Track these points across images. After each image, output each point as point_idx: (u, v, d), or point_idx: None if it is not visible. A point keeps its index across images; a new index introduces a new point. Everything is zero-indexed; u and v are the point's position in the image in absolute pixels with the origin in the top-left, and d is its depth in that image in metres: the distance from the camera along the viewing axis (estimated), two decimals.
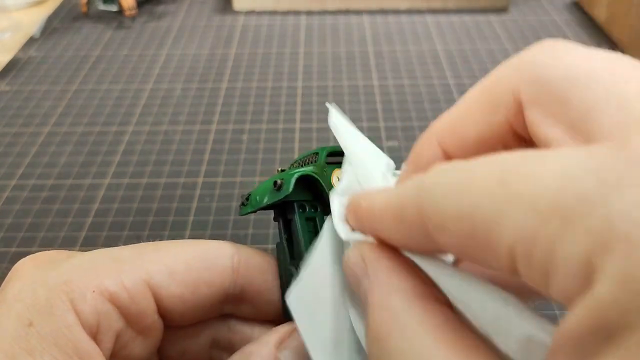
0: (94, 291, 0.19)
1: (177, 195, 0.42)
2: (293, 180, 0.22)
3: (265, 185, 0.23)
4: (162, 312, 0.21)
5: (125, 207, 0.41)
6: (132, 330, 0.20)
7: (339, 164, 0.23)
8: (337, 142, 0.22)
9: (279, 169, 0.24)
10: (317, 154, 0.23)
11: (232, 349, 0.23)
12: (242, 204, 0.25)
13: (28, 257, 0.21)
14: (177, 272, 0.21)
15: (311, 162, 0.23)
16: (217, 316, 0.23)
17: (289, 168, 0.24)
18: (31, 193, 0.42)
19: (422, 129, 0.48)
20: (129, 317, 0.20)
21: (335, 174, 0.23)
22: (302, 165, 0.24)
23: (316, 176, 0.22)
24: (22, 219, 0.40)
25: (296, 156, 0.36)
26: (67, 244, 0.38)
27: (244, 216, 0.40)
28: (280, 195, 0.22)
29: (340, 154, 0.23)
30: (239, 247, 0.23)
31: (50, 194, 0.42)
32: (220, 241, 0.23)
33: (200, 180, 0.43)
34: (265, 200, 0.22)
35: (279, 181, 0.22)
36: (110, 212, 0.40)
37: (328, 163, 0.23)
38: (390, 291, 0.15)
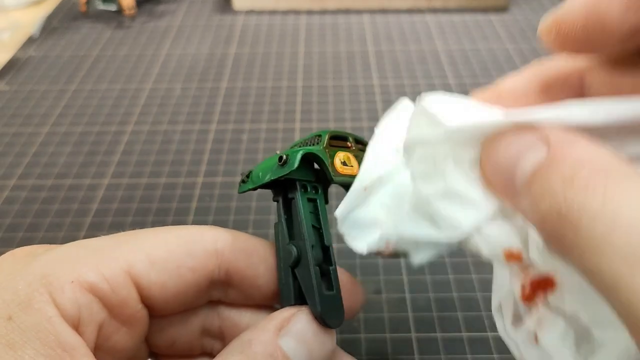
0: (72, 282, 0.18)
1: (177, 195, 0.42)
2: (299, 156, 0.21)
3: (268, 162, 0.23)
4: (145, 300, 0.21)
5: (125, 207, 0.41)
6: (115, 320, 0.20)
7: (341, 147, 0.23)
8: (339, 126, 0.22)
9: (279, 152, 0.24)
10: (319, 136, 0.23)
11: (223, 337, 0.23)
12: (242, 181, 0.24)
13: (7, 252, 0.20)
14: (158, 260, 0.20)
15: (314, 144, 0.23)
16: (205, 303, 0.23)
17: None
18: (30, 193, 0.42)
19: None
20: (111, 308, 0.20)
21: (338, 157, 0.22)
22: (304, 146, 0.23)
23: (320, 155, 0.22)
24: (22, 219, 0.40)
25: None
26: None
27: (243, 215, 0.40)
28: (285, 171, 0.21)
29: (342, 138, 0.23)
30: (223, 230, 0.23)
31: (49, 194, 0.42)
32: (203, 225, 0.23)
33: (199, 180, 0.43)
34: (268, 177, 0.22)
35: (284, 156, 0.21)
36: (110, 212, 0.40)
37: (331, 146, 0.23)
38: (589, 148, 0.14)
